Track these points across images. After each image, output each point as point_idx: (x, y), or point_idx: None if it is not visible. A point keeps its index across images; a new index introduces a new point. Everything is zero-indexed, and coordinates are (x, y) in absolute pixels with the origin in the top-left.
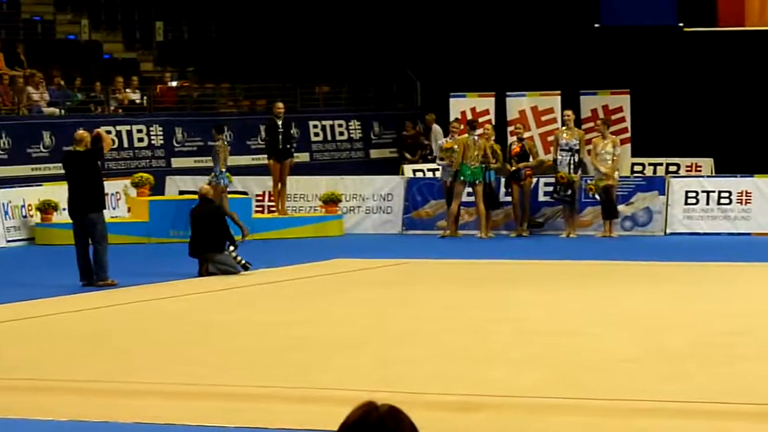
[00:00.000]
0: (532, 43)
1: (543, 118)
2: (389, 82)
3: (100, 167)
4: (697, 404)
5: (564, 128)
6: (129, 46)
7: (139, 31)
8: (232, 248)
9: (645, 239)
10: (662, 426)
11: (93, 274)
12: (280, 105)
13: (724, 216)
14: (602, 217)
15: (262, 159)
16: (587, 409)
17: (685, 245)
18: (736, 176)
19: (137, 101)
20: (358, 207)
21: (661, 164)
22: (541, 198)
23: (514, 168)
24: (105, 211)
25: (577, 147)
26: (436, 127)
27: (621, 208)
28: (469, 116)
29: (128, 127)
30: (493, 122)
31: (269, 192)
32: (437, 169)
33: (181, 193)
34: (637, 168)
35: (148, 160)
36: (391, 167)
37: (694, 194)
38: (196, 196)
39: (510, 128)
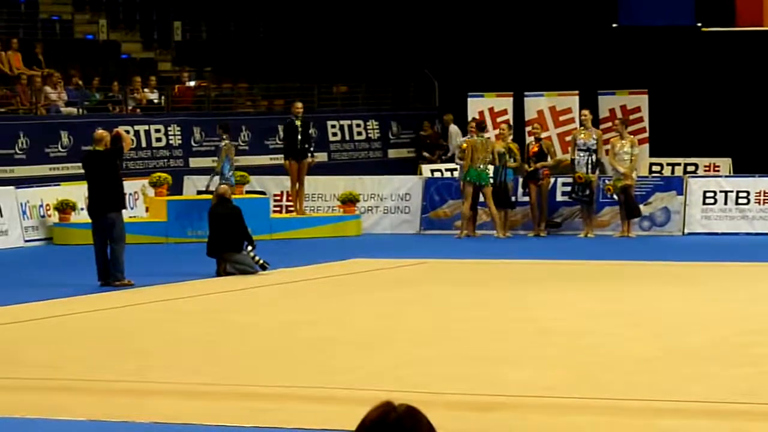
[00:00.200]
0: (550, 43)
1: (561, 118)
2: (407, 82)
3: (119, 167)
4: (718, 404)
5: (581, 128)
6: (147, 45)
7: (157, 30)
8: (250, 248)
9: (663, 239)
10: (684, 426)
11: (110, 275)
12: (299, 105)
13: (743, 216)
14: (622, 218)
15: (280, 159)
16: (607, 409)
17: (703, 245)
18: (754, 176)
19: (155, 101)
20: (376, 207)
21: (679, 164)
22: (559, 198)
23: (532, 168)
24: (123, 211)
25: (595, 147)
26: (453, 127)
27: (640, 207)
28: (488, 116)
29: (146, 127)
30: (511, 122)
31: (287, 192)
32: (455, 169)
33: (199, 192)
34: (655, 168)
35: (166, 160)
36: (409, 167)
37: (712, 194)
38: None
39: (528, 128)
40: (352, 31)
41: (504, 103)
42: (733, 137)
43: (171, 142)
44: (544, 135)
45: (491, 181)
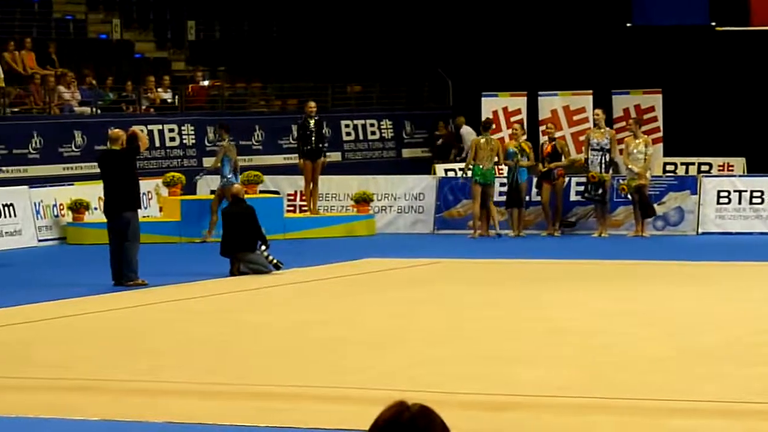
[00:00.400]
0: (564, 43)
1: (575, 118)
2: (421, 82)
3: (135, 166)
4: (733, 404)
5: (595, 128)
6: (161, 45)
7: (170, 30)
8: (264, 248)
9: (677, 239)
10: (698, 426)
11: (122, 275)
12: (312, 104)
13: (756, 216)
14: (636, 217)
15: (294, 158)
16: (621, 409)
17: (717, 245)
18: None
19: (169, 101)
20: (390, 206)
21: (693, 164)
22: (573, 198)
23: (545, 168)
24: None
25: (608, 146)
26: (465, 129)
27: (654, 207)
28: (501, 116)
29: (160, 127)
30: (525, 122)
31: (301, 191)
32: (471, 169)
33: (213, 192)
34: (669, 167)
35: (179, 160)
36: (422, 167)
37: (726, 194)
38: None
39: (541, 128)
40: (365, 31)
41: (518, 102)
42: (747, 137)
43: (185, 141)
44: (557, 135)
45: (494, 180)
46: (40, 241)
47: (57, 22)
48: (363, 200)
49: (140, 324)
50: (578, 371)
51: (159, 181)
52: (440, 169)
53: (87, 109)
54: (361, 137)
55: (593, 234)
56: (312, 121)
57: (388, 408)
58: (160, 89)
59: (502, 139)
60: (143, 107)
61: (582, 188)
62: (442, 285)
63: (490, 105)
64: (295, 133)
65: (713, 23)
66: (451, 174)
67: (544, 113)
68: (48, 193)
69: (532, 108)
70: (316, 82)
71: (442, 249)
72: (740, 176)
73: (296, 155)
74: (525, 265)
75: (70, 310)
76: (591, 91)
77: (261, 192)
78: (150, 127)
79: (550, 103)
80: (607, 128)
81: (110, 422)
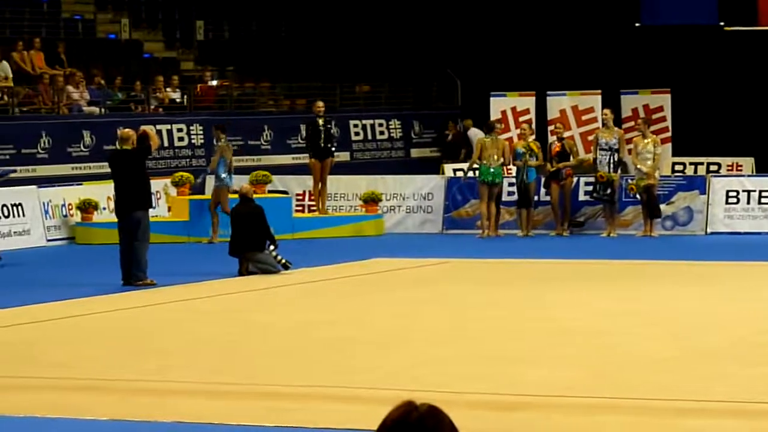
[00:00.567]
0: (572, 43)
1: (583, 118)
2: (429, 82)
3: (146, 166)
4: (740, 404)
5: (603, 128)
6: (169, 45)
7: (179, 30)
8: (272, 247)
9: (685, 239)
10: (706, 426)
11: (131, 275)
12: (321, 104)
13: (765, 215)
14: (645, 217)
15: (303, 158)
16: (629, 409)
17: (725, 245)
18: None
19: (177, 100)
20: (399, 206)
21: (701, 163)
22: (582, 197)
23: (554, 168)
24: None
25: (617, 146)
26: (473, 130)
27: (662, 207)
28: (510, 116)
29: (168, 127)
30: (534, 122)
31: (309, 191)
32: (477, 169)
33: None
34: (678, 167)
35: (188, 159)
36: (431, 167)
37: (734, 193)
38: (236, 195)
39: (550, 128)
40: (374, 31)
41: (526, 102)
42: (755, 136)
43: (193, 141)
44: (566, 134)
45: (501, 179)
46: (48, 240)
47: (66, 21)
48: (371, 200)
49: (149, 324)
50: (585, 371)
51: (167, 180)
52: (449, 168)
53: (96, 109)
54: (369, 137)
55: (602, 234)
56: (321, 121)
57: (397, 408)
58: (168, 89)
59: (510, 139)
60: (152, 107)
61: (591, 188)
62: (450, 285)
63: (499, 105)
64: (303, 133)
65: (722, 23)
66: (459, 174)
67: (552, 113)
68: (57, 193)
69: (541, 108)
70: (324, 82)
71: (450, 249)
72: (749, 176)
73: (305, 155)
74: (533, 265)
75: (78, 309)
76: (600, 91)
77: (270, 192)
78: (158, 126)
79: (559, 103)
80: (616, 128)
81: (118, 422)
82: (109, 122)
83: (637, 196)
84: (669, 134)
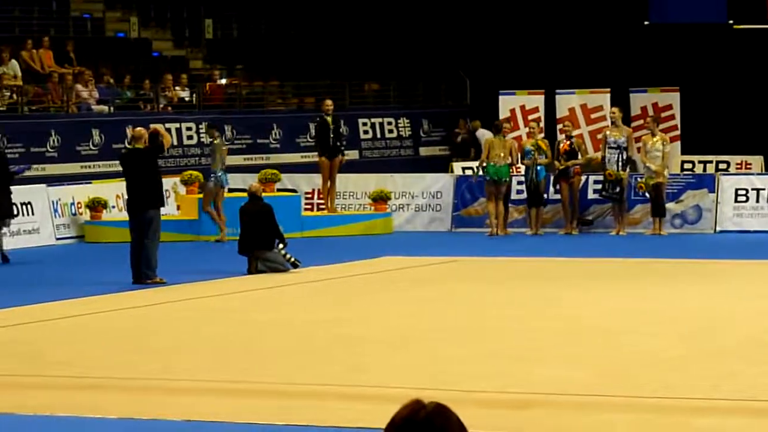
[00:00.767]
0: (581, 41)
1: (592, 116)
2: (438, 80)
3: (158, 164)
4: (746, 402)
5: (612, 126)
6: (178, 43)
7: (188, 28)
8: (281, 246)
9: (694, 237)
10: (717, 424)
11: (141, 274)
12: (329, 102)
13: None
14: (651, 215)
15: (311, 156)
16: (639, 407)
17: (734, 243)
18: None
19: (186, 99)
20: (408, 205)
21: (710, 162)
22: (591, 196)
23: (562, 166)
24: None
25: (625, 144)
26: (482, 131)
27: (671, 205)
28: (519, 114)
29: (177, 125)
30: (543, 120)
31: (318, 190)
32: (484, 168)
33: (231, 190)
34: (687, 165)
35: (197, 158)
36: (440, 165)
37: (744, 192)
38: (245, 194)
39: (559, 126)
40: (383, 29)
41: (535, 100)
42: (765, 134)
43: (202, 140)
44: (575, 133)
45: (507, 178)
46: (57, 239)
47: (75, 20)
48: (380, 198)
49: (158, 322)
50: (594, 369)
51: (176, 179)
52: (458, 167)
53: (105, 108)
54: (378, 135)
55: (611, 232)
56: (330, 119)
57: (405, 406)
58: (177, 88)
59: (519, 138)
60: (161, 106)
61: (600, 186)
62: (459, 283)
63: (508, 103)
64: (312, 132)
65: (731, 21)
66: (468, 172)
67: (561, 111)
68: (66, 192)
69: (550, 106)
70: (333, 80)
71: (459, 247)
72: (758, 174)
73: (314, 153)
74: (542, 264)
75: (87, 308)
76: (608, 89)
77: (278, 190)
78: (167, 125)
79: (568, 102)
80: (624, 126)
81: (128, 420)
82: (118, 121)
83: (647, 194)
84: (678, 132)
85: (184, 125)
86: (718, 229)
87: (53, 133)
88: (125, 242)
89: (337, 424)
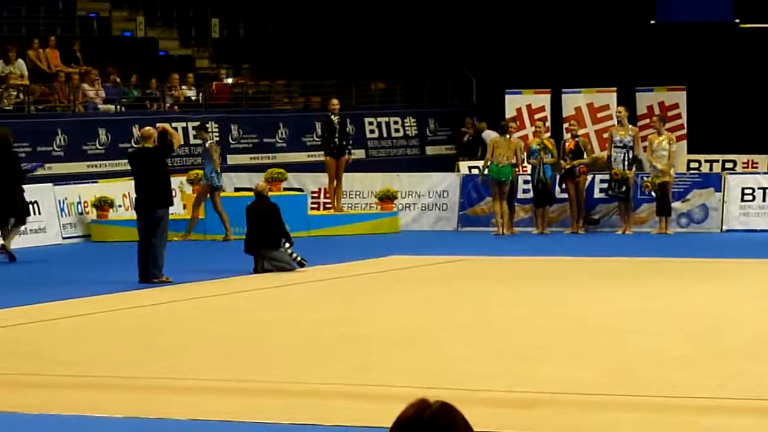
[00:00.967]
0: (587, 40)
1: (599, 115)
2: (445, 79)
3: (167, 163)
4: (752, 401)
5: (618, 125)
6: (184, 42)
7: (194, 27)
8: (288, 245)
9: (701, 236)
10: (723, 424)
11: (148, 272)
12: (336, 101)
13: None
14: (656, 214)
15: (318, 156)
16: (646, 406)
17: (741, 242)
18: None
19: (193, 98)
20: (414, 204)
21: (717, 161)
22: (597, 195)
23: (568, 165)
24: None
25: (631, 144)
26: (488, 132)
27: (677, 204)
28: (525, 113)
29: (184, 124)
30: (549, 119)
31: (325, 189)
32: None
33: (237, 189)
34: (693, 165)
35: (203, 157)
36: (446, 164)
37: (750, 191)
38: (251, 193)
39: (565, 125)
40: (389, 28)
41: (541, 99)
42: None
43: None
44: (581, 132)
45: (510, 177)
46: (64, 238)
47: (81, 19)
48: (387, 198)
49: (164, 321)
50: (600, 368)
51: (183, 178)
52: (464, 166)
53: (111, 107)
54: (384, 134)
55: (617, 231)
56: (336, 119)
57: (410, 406)
58: (184, 87)
59: (525, 137)
60: (167, 105)
61: (606, 185)
62: (465, 282)
63: (514, 102)
64: (318, 131)
65: (737, 20)
66: (475, 171)
67: (567, 110)
68: (72, 191)
69: (556, 105)
70: (339, 80)
71: (465, 246)
72: (765, 173)
73: (320, 152)
74: (548, 263)
75: (93, 307)
76: (615, 89)
77: (285, 189)
78: (174, 124)
79: (574, 101)
80: (630, 125)
81: (133, 419)
82: (124, 120)
83: (653, 193)
84: (684, 131)
85: (190, 124)
86: (724, 228)
87: (60, 133)
88: (131, 241)
89: (343, 423)
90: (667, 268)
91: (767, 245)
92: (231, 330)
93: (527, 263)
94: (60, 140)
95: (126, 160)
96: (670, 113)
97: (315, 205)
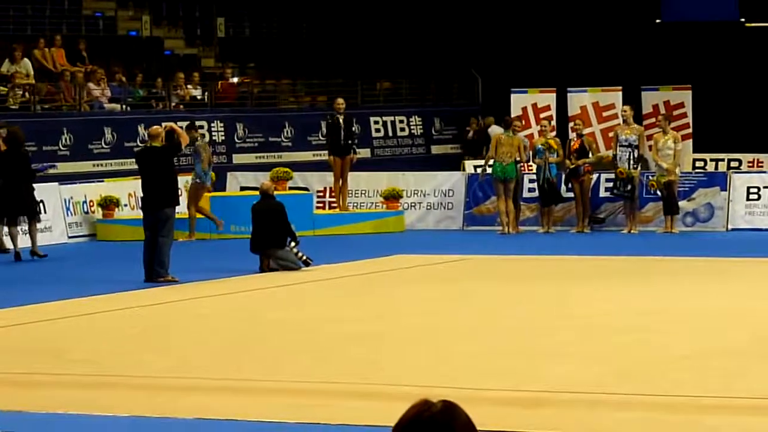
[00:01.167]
0: (593, 39)
1: (604, 114)
2: (450, 78)
3: (174, 162)
4: (759, 400)
5: (623, 124)
6: (190, 42)
7: (200, 27)
8: (293, 244)
9: (706, 235)
10: (729, 423)
11: (153, 272)
12: (341, 101)
13: None
14: (663, 213)
15: (323, 155)
16: (652, 405)
17: (746, 241)
18: None
19: (198, 97)
20: (419, 203)
21: (722, 160)
22: (602, 194)
23: (573, 164)
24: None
25: (636, 143)
26: (494, 128)
27: (683, 204)
28: (531, 112)
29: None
30: (555, 118)
31: (330, 188)
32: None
33: (243, 188)
34: (699, 164)
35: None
36: (452, 163)
37: (755, 190)
38: (257, 192)
39: (570, 124)
40: (394, 27)
41: (547, 99)
42: None
43: (214, 138)
44: (586, 131)
45: (514, 176)
46: (70, 237)
47: (87, 19)
48: (392, 197)
49: (169, 320)
50: (607, 367)
51: (188, 177)
52: (469, 165)
53: (117, 106)
54: (390, 134)
55: (622, 230)
56: (341, 118)
57: (413, 406)
58: (189, 86)
59: (531, 136)
60: (173, 104)
61: (611, 185)
62: (471, 281)
63: (520, 101)
64: (324, 130)
65: (742, 19)
66: (480, 170)
67: (573, 109)
68: (78, 190)
69: (562, 104)
70: (345, 79)
71: (471, 245)
72: None
73: (325, 152)
74: (554, 262)
75: (99, 306)
76: (620, 88)
77: (290, 188)
78: (180, 124)
79: (580, 100)
80: (636, 124)
81: (139, 418)
82: (130, 119)
83: (658, 192)
84: (690, 130)
85: (196, 124)
86: (729, 227)
87: (65, 132)
88: (137, 240)
89: (350, 422)
90: (672, 267)
91: None
92: (236, 329)
93: (533, 262)
94: (66, 139)
95: (132, 159)
96: (675, 112)
97: (320, 204)
